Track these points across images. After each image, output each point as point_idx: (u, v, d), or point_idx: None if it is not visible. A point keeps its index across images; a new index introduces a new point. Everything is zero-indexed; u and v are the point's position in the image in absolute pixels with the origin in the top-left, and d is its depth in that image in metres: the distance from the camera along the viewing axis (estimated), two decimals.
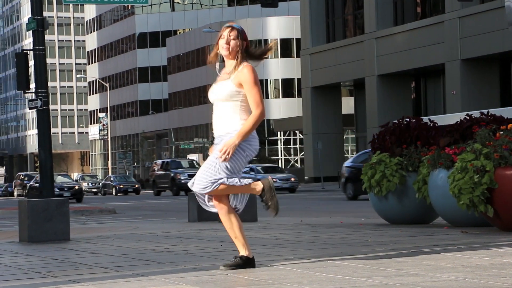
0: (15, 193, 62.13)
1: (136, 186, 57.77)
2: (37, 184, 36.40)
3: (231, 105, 6.17)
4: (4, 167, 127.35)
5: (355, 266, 6.13)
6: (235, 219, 6.30)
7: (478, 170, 8.85)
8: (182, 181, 42.67)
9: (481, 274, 5.48)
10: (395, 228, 10.13)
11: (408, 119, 10.99)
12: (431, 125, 10.96)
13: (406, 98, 47.34)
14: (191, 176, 40.72)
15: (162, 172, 46.07)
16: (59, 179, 43.09)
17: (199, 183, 6.14)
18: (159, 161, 49.31)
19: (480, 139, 9.11)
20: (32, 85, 20.51)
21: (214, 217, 13.51)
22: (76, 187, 42.30)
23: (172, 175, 44.60)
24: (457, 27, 40.60)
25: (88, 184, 66.44)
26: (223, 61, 6.34)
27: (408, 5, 45.70)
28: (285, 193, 39.67)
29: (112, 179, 61.17)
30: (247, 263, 6.20)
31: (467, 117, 10.11)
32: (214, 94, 6.26)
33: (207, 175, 6.12)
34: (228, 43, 6.22)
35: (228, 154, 6.06)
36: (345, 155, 63.84)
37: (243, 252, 6.23)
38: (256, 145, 6.22)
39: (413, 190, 10.48)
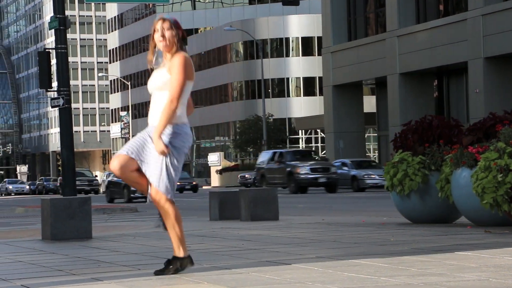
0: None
1: (194, 183, 55.25)
2: (116, 179, 34.01)
3: (166, 94, 6.05)
4: (27, 165, 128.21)
5: (377, 266, 6.09)
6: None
7: (502, 169, 8.78)
8: (302, 176, 37.00)
9: (505, 274, 5.43)
10: (418, 227, 10.08)
11: (430, 118, 10.92)
12: (454, 123, 10.89)
13: (428, 96, 47.11)
14: (314, 171, 36.89)
15: (275, 166, 38.91)
16: None
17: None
18: (266, 152, 42.63)
19: (504, 137, 9.03)
20: (54, 84, 20.61)
21: (236, 216, 13.52)
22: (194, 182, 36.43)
23: (289, 169, 37.65)
24: (480, 25, 40.34)
25: None
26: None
27: (431, 2, 45.47)
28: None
29: None
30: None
31: (491, 116, 10.03)
32: (150, 83, 6.17)
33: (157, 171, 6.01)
34: (163, 35, 6.07)
35: (165, 154, 5.96)
36: (367, 154, 63.67)
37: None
38: (189, 142, 6.09)
39: (436, 189, 10.41)
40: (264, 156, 41.24)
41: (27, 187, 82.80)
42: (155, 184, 6.01)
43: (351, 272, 5.77)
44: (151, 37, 6.13)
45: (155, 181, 6.02)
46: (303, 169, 36.88)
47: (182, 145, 6.04)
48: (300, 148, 50.10)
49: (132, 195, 31.98)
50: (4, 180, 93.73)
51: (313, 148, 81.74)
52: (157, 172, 6.01)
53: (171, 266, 6.09)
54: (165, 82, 6.05)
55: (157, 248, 8.48)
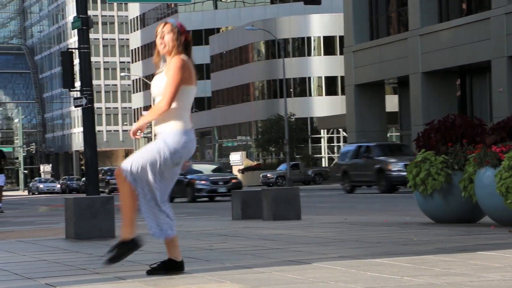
0: None
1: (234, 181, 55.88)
2: (179, 176, 32.21)
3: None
4: (51, 165, 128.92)
5: (400, 265, 6.08)
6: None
7: None
8: (394, 174, 32.08)
9: None
10: (441, 227, 10.04)
11: (453, 117, 10.87)
12: (477, 122, 10.83)
13: (451, 95, 46.89)
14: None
15: (360, 162, 34.60)
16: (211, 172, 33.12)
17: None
18: (349, 146, 38.50)
19: None
20: (77, 84, 20.71)
21: (258, 215, 13.53)
22: (234, 180, 32.49)
23: (378, 165, 32.99)
24: (504, 24, 40.08)
25: None
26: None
27: (453, 1, 45.25)
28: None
29: None
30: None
31: None
32: (152, 88, 6.08)
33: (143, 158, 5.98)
34: (162, 38, 6.00)
35: (135, 134, 6.04)
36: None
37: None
38: (191, 147, 6.03)
39: (459, 189, 10.37)
40: (346, 151, 37.10)
41: (58, 186, 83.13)
42: (125, 161, 6.00)
43: (374, 272, 5.76)
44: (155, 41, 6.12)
45: (128, 159, 6.01)
46: (395, 166, 32.20)
47: (178, 150, 5.96)
48: (390, 142, 46.70)
49: (196, 194, 30.66)
50: (35, 179, 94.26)
51: (335, 148, 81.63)
52: (136, 154, 6.00)
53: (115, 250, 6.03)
54: (163, 86, 5.97)
55: (180, 247, 8.50)
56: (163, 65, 6.07)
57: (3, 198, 24.31)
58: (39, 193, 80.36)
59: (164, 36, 5.98)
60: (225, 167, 43.45)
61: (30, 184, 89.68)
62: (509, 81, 40.15)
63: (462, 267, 5.87)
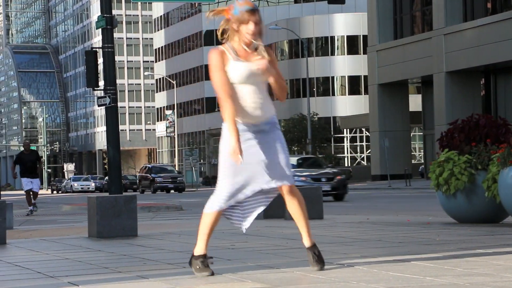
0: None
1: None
2: None
3: (265, 87, 5.82)
4: (74, 164, 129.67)
5: (423, 265, 6.05)
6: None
7: None
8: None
9: None
10: (464, 227, 9.98)
11: (477, 116, 10.81)
12: (501, 122, 10.77)
13: (475, 95, 46.63)
14: None
15: None
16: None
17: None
18: None
19: None
20: (101, 83, 20.81)
21: (280, 215, 13.52)
22: (338, 177, 27.98)
23: None
24: None
25: None
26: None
27: (478, 0, 45.00)
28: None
29: None
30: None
31: None
32: (248, 72, 5.72)
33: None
34: (257, 24, 5.73)
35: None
36: (412, 153, 63.20)
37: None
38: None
39: (482, 189, 10.31)
40: None
41: (92, 184, 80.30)
42: (290, 177, 5.84)
43: (396, 272, 5.74)
44: (226, 20, 5.78)
45: (288, 170, 5.82)
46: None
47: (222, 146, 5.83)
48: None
49: None
50: (69, 177, 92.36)
51: (358, 147, 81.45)
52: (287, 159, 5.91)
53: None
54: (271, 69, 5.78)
55: None
56: (251, 52, 5.77)
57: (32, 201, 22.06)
58: (73, 192, 77.45)
59: (255, 24, 5.73)
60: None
61: (64, 183, 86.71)
62: None
63: (485, 267, 5.84)
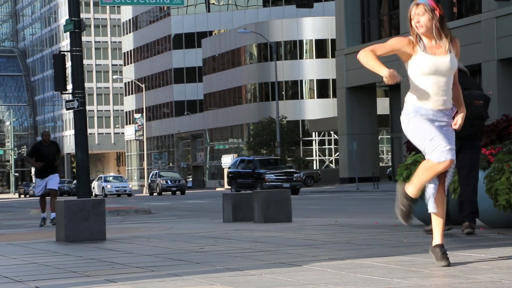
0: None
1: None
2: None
3: (451, 79, 6.26)
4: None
5: (390, 267, 6.11)
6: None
7: None
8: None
9: None
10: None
11: None
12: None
13: None
14: None
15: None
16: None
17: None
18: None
19: None
20: (69, 86, 20.71)
21: (249, 218, 13.54)
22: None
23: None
24: (494, 27, 40.25)
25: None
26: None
27: (444, 5, 45.37)
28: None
29: None
30: None
31: (504, 118, 10.02)
32: (437, 66, 6.26)
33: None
34: (419, 21, 6.23)
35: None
36: (380, 156, 63.55)
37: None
38: None
39: (449, 191, 10.39)
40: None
41: (130, 186, 66.91)
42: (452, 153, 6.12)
43: (364, 274, 5.78)
44: (409, 22, 6.32)
45: (452, 148, 6.16)
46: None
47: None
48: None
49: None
50: (100, 176, 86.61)
51: (326, 150, 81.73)
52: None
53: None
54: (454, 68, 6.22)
55: (171, 250, 8.51)
56: (437, 45, 6.21)
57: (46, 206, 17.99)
58: (105, 195, 62.57)
59: (420, 19, 6.20)
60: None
61: (31, 186, 79.17)
62: (498, 84, 40.31)
63: (451, 269, 5.90)
